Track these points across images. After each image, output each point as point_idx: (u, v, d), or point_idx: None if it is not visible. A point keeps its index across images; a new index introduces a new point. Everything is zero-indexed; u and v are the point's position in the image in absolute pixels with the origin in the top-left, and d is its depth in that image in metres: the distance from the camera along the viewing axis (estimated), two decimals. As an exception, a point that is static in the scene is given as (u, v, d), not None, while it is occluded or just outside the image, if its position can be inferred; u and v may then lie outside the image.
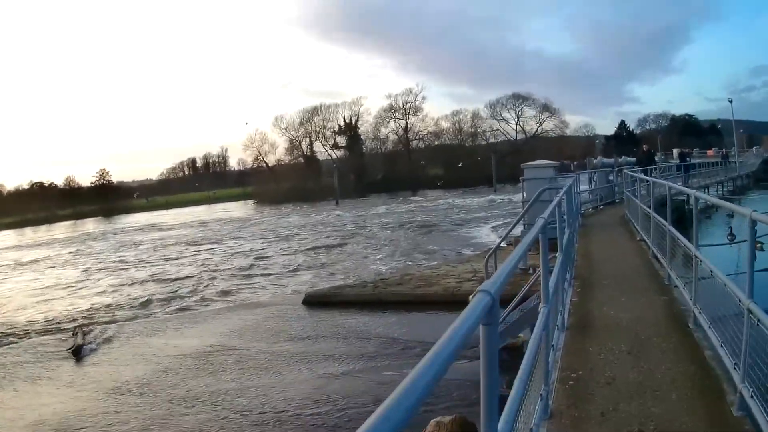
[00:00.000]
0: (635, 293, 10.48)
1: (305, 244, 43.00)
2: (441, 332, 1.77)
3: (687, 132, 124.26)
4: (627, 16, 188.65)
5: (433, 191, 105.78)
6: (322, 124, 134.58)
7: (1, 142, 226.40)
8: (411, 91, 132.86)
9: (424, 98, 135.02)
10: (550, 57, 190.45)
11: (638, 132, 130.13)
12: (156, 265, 37.40)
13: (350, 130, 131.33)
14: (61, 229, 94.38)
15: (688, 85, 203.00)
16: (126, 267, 38.32)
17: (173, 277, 31.79)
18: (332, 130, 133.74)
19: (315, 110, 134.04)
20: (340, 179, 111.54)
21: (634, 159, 37.63)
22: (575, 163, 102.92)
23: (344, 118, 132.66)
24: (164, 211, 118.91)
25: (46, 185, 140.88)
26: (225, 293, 26.23)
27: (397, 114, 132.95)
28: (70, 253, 52.04)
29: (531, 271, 19.68)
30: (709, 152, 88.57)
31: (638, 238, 16.84)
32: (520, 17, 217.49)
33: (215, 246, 46.49)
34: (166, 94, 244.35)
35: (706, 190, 39.67)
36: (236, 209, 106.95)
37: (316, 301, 21.42)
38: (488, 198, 78.44)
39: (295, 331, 18.80)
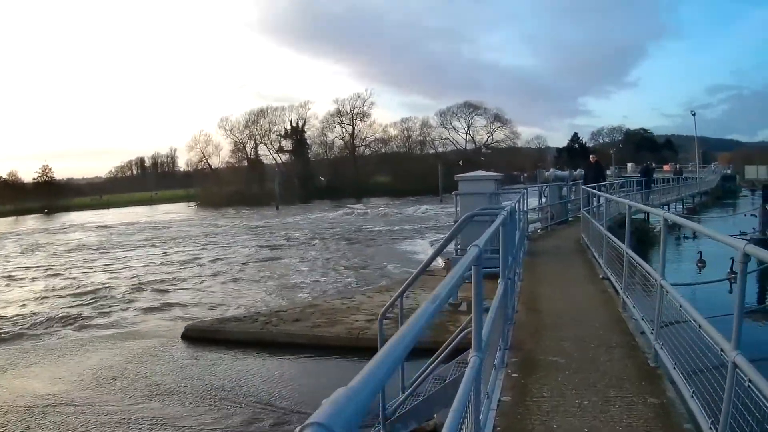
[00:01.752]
0: (607, 388, 6.39)
1: (225, 253, 38.80)
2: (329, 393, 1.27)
3: (642, 146, 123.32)
4: (584, 30, 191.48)
5: (379, 198, 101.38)
6: (268, 127, 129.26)
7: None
8: (359, 96, 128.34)
9: (372, 104, 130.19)
10: (505, 69, 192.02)
11: (591, 145, 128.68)
12: (46, 277, 32.21)
13: (296, 134, 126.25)
14: None
15: (643, 101, 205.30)
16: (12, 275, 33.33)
17: (57, 292, 26.90)
18: (278, 133, 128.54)
19: (261, 112, 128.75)
20: (285, 184, 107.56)
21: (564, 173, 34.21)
22: (525, 174, 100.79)
23: (291, 122, 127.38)
24: (105, 210, 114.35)
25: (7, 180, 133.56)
26: (105, 315, 21.80)
27: (344, 119, 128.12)
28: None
29: (463, 306, 15.76)
30: (666, 167, 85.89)
31: (601, 276, 12.64)
32: (477, 30, 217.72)
33: (127, 254, 41.41)
34: (122, 92, 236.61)
35: (667, 208, 36.23)
36: (177, 211, 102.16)
37: (196, 336, 17.11)
38: (432, 208, 75.42)
39: (159, 378, 14.52)
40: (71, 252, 44.78)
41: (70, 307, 23.40)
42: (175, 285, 27.58)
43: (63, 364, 16.18)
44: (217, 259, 35.92)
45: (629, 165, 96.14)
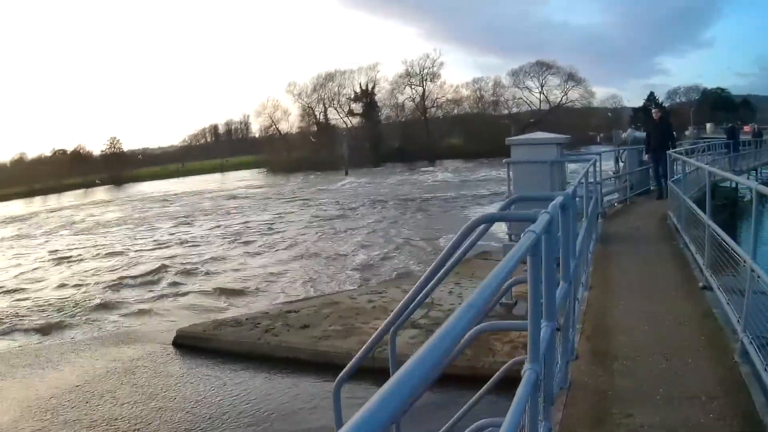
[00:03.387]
0: None
1: (282, 225, 35.84)
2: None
3: (718, 106, 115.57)
4: None
5: (451, 161, 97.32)
6: (336, 90, 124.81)
7: (22, 109, 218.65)
8: (428, 57, 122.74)
9: (441, 64, 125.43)
10: (576, 28, 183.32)
11: (668, 105, 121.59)
12: (73, 258, 29.42)
13: (366, 96, 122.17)
14: (57, 199, 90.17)
15: (718, 59, 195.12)
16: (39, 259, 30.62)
17: (69, 279, 23.88)
18: (347, 96, 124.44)
19: (329, 76, 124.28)
20: (355, 148, 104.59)
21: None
22: (601, 135, 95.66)
23: (360, 85, 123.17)
24: (175, 179, 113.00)
25: (68, 152, 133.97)
26: (109, 308, 18.71)
27: (413, 80, 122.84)
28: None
29: (520, 308, 11.99)
30: (746, 128, 79.82)
31: (701, 284, 8.73)
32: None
33: (181, 229, 38.51)
34: (196, 60, 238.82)
35: (757, 173, 31.72)
36: (246, 178, 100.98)
37: (188, 344, 13.76)
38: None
39: (135, 397, 11.32)
40: (137, 226, 42.44)
41: (71, 300, 20.27)
42: (217, 264, 24.72)
43: (35, 379, 12.99)
44: (273, 231, 33.28)
45: (708, 125, 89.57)
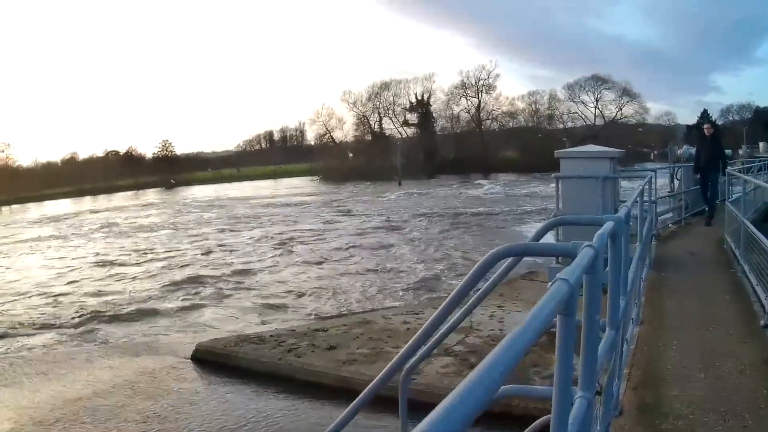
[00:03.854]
0: None
1: (329, 231, 35.91)
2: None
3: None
4: (711, 3, 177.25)
5: (505, 174, 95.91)
6: (392, 99, 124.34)
7: (78, 111, 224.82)
8: (483, 68, 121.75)
9: (497, 76, 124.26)
10: (630, 42, 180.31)
11: (721, 123, 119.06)
12: (107, 261, 28.99)
13: (421, 107, 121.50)
14: (107, 200, 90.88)
15: None
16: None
17: (98, 284, 23.38)
18: (403, 106, 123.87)
19: (384, 85, 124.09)
20: (410, 159, 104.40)
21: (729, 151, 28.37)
22: (655, 151, 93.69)
23: (416, 95, 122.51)
24: (228, 185, 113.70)
25: (121, 154, 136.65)
26: (137, 316, 17.98)
27: (469, 91, 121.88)
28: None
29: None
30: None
31: (762, 323, 7.85)
32: (602, 2, 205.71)
33: (226, 235, 37.91)
34: (254, 68, 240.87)
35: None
36: (298, 185, 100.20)
37: (207, 359, 13.01)
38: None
39: (141, 414, 10.47)
40: (161, 230, 42.37)
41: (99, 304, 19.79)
42: (257, 275, 23.72)
43: (41, 389, 12.25)
44: (319, 241, 32.37)
45: (762, 144, 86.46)
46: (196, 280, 22.45)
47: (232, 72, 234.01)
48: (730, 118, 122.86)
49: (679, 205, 19.30)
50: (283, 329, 14.45)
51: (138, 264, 27.29)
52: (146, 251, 31.28)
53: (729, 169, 17.07)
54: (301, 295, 19.74)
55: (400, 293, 19.60)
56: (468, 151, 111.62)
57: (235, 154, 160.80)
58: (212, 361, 12.76)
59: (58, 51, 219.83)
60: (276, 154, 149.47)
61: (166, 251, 30.77)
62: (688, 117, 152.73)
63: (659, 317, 8.62)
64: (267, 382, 11.46)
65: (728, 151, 28.17)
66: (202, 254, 28.95)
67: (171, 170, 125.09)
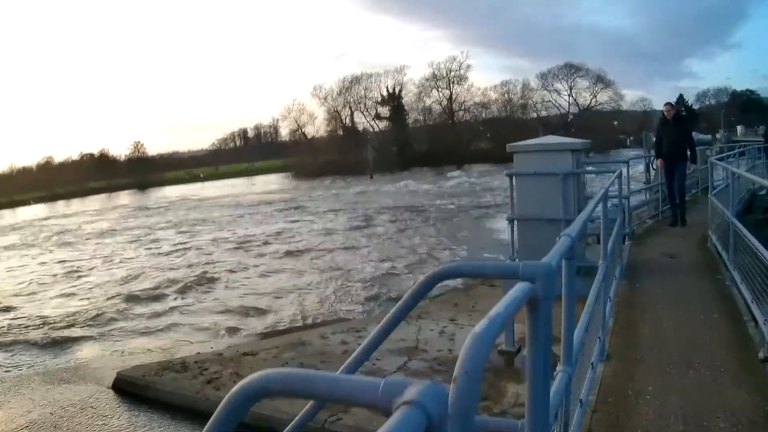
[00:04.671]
0: None
1: (293, 230, 33.93)
2: None
3: (748, 109, 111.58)
4: None
5: (480, 165, 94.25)
6: (363, 93, 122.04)
7: (52, 112, 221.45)
8: (455, 59, 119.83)
9: (469, 66, 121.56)
10: (606, 31, 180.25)
11: (697, 107, 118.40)
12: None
13: (393, 100, 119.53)
14: (79, 204, 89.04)
15: (746, 61, 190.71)
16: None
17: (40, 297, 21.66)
18: (374, 100, 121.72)
19: (356, 79, 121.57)
20: (381, 152, 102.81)
21: (708, 136, 26.71)
22: (631, 138, 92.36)
23: (387, 88, 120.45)
24: (201, 185, 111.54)
25: (96, 156, 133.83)
26: (67, 337, 16.02)
27: (440, 83, 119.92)
28: None
29: (521, 358, 9.23)
30: (779, 129, 75.96)
31: (761, 356, 6.19)
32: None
33: (183, 239, 36.18)
34: (226, 64, 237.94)
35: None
36: (271, 182, 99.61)
37: (127, 389, 11.23)
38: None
39: None
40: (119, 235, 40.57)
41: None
42: (209, 284, 21.83)
43: None
44: (279, 242, 30.55)
45: (739, 128, 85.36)
46: (138, 294, 20.62)
47: (207, 70, 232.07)
48: (707, 103, 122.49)
49: (656, 197, 17.55)
50: (209, 354, 12.62)
51: (80, 276, 25.36)
52: (96, 259, 29.54)
53: (711, 157, 15.24)
54: (247, 307, 17.94)
55: (358, 298, 18.10)
56: (441, 143, 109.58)
57: (209, 153, 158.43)
58: (133, 391, 11.03)
59: (31, 53, 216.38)
60: (251, 152, 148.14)
61: (113, 261, 28.82)
62: (664, 103, 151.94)
63: (631, 347, 6.86)
64: (186, 416, 9.83)
65: (706, 137, 26.53)
66: (151, 265, 26.89)
67: (144, 171, 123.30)
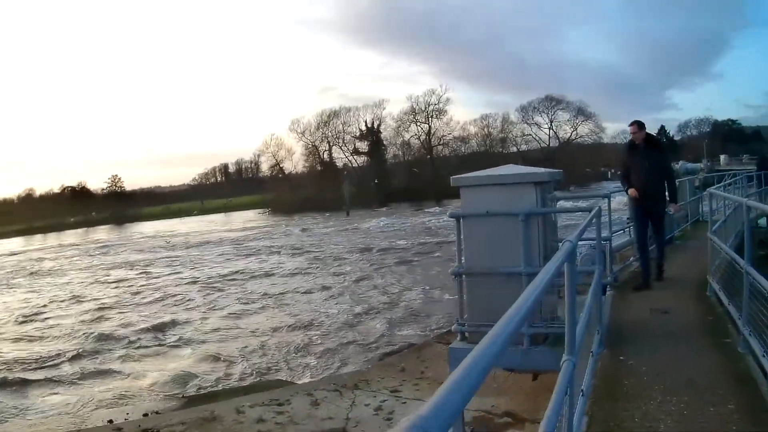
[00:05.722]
0: None
1: (247, 272, 32.00)
2: None
3: (730, 138, 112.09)
4: (667, 24, 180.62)
5: (459, 200, 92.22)
6: (341, 128, 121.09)
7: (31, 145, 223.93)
8: (433, 92, 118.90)
9: (448, 100, 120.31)
10: (589, 65, 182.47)
11: (678, 138, 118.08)
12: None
13: (372, 135, 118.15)
14: (53, 238, 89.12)
15: (727, 92, 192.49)
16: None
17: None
18: (352, 134, 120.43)
19: (334, 113, 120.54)
20: (361, 188, 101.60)
21: (698, 165, 24.68)
22: (612, 170, 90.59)
23: (365, 122, 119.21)
24: (178, 219, 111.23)
25: (78, 189, 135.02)
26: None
27: (419, 117, 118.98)
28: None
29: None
30: (765, 159, 74.79)
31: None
32: (560, 27, 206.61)
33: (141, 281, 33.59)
34: (208, 99, 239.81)
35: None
36: (247, 218, 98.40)
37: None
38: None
39: None
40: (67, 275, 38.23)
41: None
42: (143, 333, 19.84)
43: None
44: (229, 287, 28.43)
45: (722, 157, 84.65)
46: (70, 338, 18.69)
47: (192, 102, 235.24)
48: (689, 133, 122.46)
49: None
50: (105, 428, 10.43)
51: (26, 320, 23.26)
52: (49, 300, 27.85)
53: (704, 190, 12.74)
54: (172, 368, 15.72)
55: (309, 355, 16.06)
56: (420, 179, 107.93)
57: (190, 187, 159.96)
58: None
59: (15, 82, 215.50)
60: (232, 187, 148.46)
61: (58, 302, 26.61)
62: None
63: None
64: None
65: (696, 165, 24.43)
66: (98, 308, 24.67)
67: (122, 206, 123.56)
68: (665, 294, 10.34)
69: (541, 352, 7.49)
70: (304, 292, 25.20)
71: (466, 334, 8.12)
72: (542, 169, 8.73)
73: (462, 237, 8.17)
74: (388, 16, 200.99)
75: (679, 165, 22.04)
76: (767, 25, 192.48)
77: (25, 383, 14.98)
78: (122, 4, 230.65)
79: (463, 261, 8.17)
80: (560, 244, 3.62)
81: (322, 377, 13.45)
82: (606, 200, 11.64)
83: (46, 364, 16.69)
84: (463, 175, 8.45)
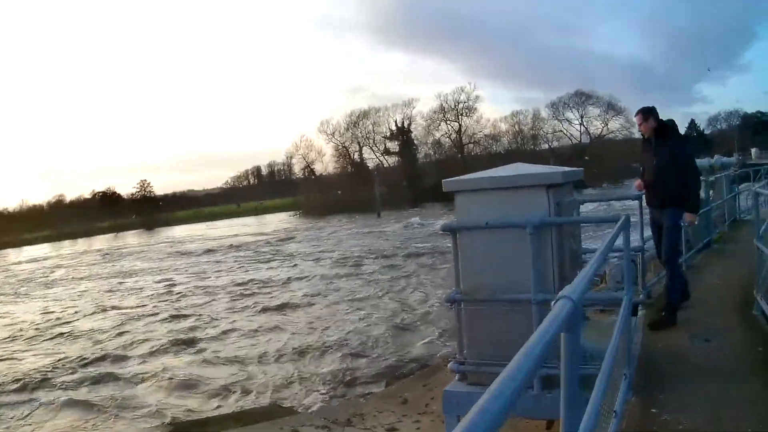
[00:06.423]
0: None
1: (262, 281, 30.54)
2: None
3: (760, 131, 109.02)
4: (693, 16, 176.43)
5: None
6: (371, 128, 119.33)
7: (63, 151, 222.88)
8: (463, 90, 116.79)
9: (477, 97, 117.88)
10: (618, 59, 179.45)
11: (709, 132, 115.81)
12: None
13: (402, 134, 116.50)
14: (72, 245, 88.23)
15: (756, 83, 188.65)
16: None
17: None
18: (383, 135, 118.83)
19: (364, 114, 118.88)
20: (392, 188, 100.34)
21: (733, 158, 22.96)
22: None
23: (395, 122, 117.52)
24: (209, 223, 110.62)
25: (109, 194, 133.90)
26: None
27: (448, 115, 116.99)
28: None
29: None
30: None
31: None
32: (588, 21, 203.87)
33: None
34: (240, 101, 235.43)
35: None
36: (278, 221, 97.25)
37: None
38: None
39: None
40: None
41: None
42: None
43: None
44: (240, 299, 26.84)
45: (753, 150, 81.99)
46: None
47: (225, 104, 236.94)
48: (719, 127, 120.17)
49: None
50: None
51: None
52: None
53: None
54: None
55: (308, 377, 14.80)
56: (451, 177, 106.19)
57: (223, 190, 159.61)
58: None
59: (44, 87, 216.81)
60: (265, 189, 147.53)
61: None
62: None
63: None
64: None
65: (730, 159, 22.58)
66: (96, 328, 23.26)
67: (151, 210, 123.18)
68: (703, 312, 8.78)
69: (556, 398, 6.00)
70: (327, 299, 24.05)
71: (458, 377, 6.66)
72: (556, 168, 7.13)
73: (459, 255, 6.68)
74: (412, 15, 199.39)
75: (714, 159, 20.08)
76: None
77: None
78: (155, 10, 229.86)
79: (461, 283, 6.69)
80: (553, 304, 2.31)
81: (315, 408, 12.09)
82: (637, 201, 9.74)
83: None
84: (457, 178, 6.99)
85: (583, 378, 4.23)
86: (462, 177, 7.02)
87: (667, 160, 8.33)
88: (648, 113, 8.53)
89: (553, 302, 2.31)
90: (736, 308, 8.77)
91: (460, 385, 6.62)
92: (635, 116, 9.01)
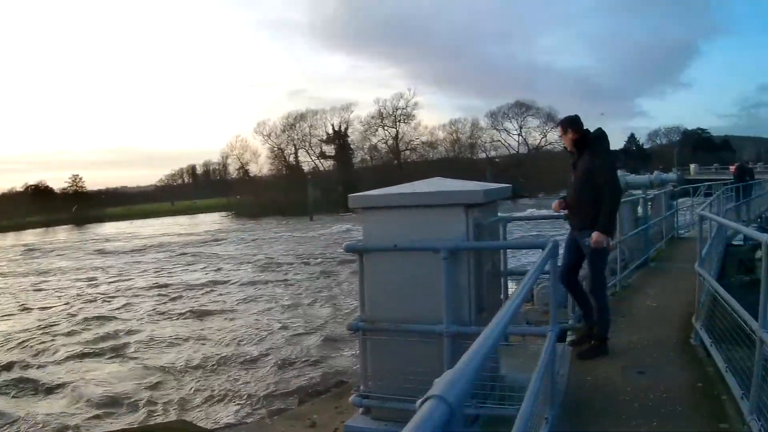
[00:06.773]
0: None
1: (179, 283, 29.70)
2: None
3: (699, 147, 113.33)
4: (637, 31, 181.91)
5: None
6: (308, 131, 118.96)
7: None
8: (401, 96, 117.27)
9: (416, 104, 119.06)
10: (560, 71, 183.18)
11: (648, 146, 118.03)
12: None
13: (339, 138, 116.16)
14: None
15: (697, 101, 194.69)
16: None
17: None
18: (319, 138, 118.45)
19: (301, 116, 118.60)
20: (327, 192, 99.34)
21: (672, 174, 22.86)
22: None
23: (332, 126, 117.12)
24: (137, 221, 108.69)
25: (41, 188, 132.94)
26: None
27: (386, 121, 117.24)
28: None
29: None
30: (732, 168, 74.71)
31: None
32: (532, 31, 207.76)
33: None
34: (182, 98, 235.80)
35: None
36: (209, 221, 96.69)
37: None
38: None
39: None
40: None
41: None
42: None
43: None
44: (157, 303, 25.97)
45: (692, 166, 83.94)
46: None
47: (164, 104, 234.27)
48: (658, 142, 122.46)
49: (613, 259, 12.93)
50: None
51: None
52: None
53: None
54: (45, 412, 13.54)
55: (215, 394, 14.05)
56: (387, 184, 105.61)
57: (156, 188, 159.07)
58: None
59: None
60: (199, 189, 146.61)
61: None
62: (615, 143, 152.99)
63: None
64: None
65: (670, 175, 22.38)
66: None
67: (84, 206, 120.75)
68: (637, 337, 8.13)
69: (470, 439, 5.24)
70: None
71: (370, 408, 5.89)
72: (478, 185, 6.30)
73: (364, 279, 5.89)
74: (356, 18, 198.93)
75: (654, 175, 19.80)
76: (734, 33, 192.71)
77: None
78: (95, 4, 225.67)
79: (366, 310, 5.91)
80: (418, 404, 1.45)
81: (221, 425, 11.34)
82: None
83: None
84: (365, 193, 6.18)
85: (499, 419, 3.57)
86: (370, 192, 6.21)
87: (584, 176, 7.38)
88: (568, 124, 7.46)
89: (418, 402, 1.42)
90: (674, 336, 8.13)
91: (363, 419, 5.87)
92: (557, 127, 8.28)
